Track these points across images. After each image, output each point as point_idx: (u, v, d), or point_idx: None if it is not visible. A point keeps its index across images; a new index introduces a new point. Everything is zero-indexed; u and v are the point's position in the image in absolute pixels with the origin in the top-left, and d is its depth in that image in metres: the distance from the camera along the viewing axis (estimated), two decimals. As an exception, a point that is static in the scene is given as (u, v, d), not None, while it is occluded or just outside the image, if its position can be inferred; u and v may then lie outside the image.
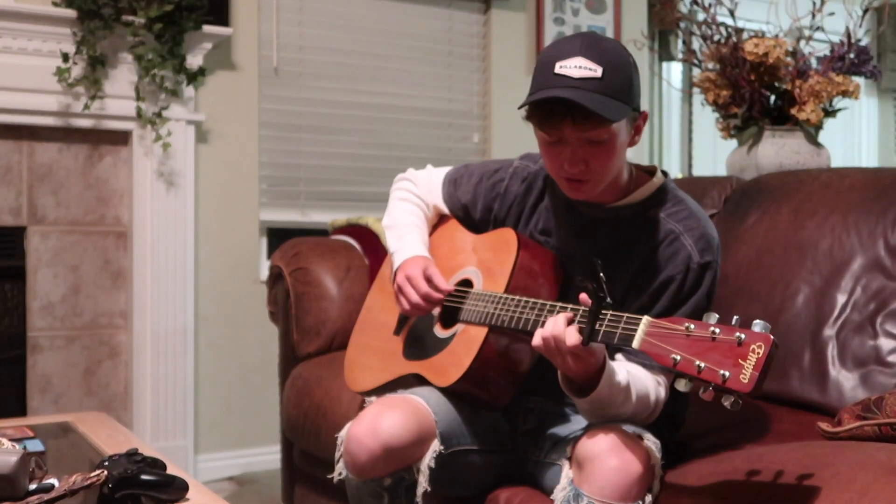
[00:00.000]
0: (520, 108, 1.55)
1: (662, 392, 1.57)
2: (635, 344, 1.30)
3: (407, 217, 1.93)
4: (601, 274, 1.38)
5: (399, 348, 1.85)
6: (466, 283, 1.78)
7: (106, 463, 1.55)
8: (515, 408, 1.75)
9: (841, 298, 1.93)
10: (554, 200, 1.74)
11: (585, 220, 1.68)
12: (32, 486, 1.51)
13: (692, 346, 1.22)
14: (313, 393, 2.43)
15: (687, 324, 1.25)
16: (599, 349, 1.44)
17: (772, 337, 1.17)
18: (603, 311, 1.38)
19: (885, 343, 1.85)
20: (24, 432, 1.99)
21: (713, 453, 1.65)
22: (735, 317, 1.23)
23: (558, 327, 1.41)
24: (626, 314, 1.36)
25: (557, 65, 1.51)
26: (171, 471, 1.61)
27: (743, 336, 1.18)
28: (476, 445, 1.69)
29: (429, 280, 1.75)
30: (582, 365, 1.43)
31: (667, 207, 1.64)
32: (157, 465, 1.59)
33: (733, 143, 2.75)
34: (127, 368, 3.38)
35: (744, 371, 1.16)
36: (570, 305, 1.47)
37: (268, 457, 3.48)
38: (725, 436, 1.78)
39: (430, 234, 1.95)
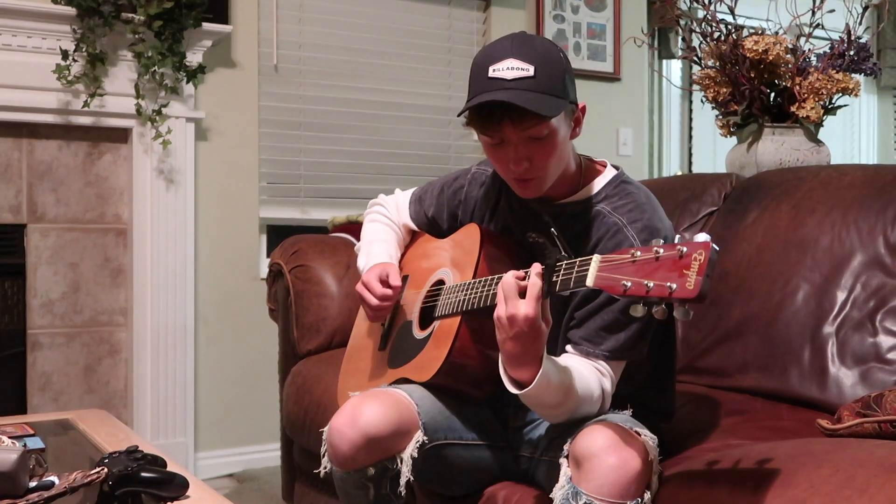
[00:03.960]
0: (459, 115, 1.60)
1: (607, 383, 1.59)
2: (589, 282, 1.32)
3: (374, 235, 2.01)
4: (553, 229, 1.44)
5: (385, 361, 1.89)
6: (440, 283, 1.81)
7: (106, 460, 1.55)
8: (506, 405, 1.75)
9: (841, 295, 1.93)
10: (509, 200, 1.79)
11: (537, 217, 1.72)
12: (33, 484, 1.51)
13: (639, 269, 1.25)
14: (313, 390, 2.44)
15: (633, 251, 1.28)
16: (544, 334, 1.44)
17: (711, 243, 1.20)
18: (557, 264, 1.41)
19: (884, 340, 1.85)
20: (24, 430, 2.00)
21: (712, 450, 1.65)
22: (678, 236, 1.26)
23: (510, 285, 1.43)
24: (579, 259, 1.38)
25: (490, 68, 1.55)
26: (171, 468, 1.61)
27: (684, 248, 1.21)
28: (463, 440, 1.70)
29: (385, 281, 1.83)
30: (532, 328, 1.41)
31: (613, 201, 1.68)
32: (157, 462, 1.60)
33: (733, 140, 2.75)
34: (127, 366, 3.39)
35: (688, 279, 1.19)
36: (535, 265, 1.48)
37: (268, 454, 3.48)
38: (724, 432, 1.78)
39: (406, 250, 2.02)
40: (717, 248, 1.21)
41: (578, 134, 1.66)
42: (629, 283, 1.25)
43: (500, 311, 1.44)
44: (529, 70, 1.53)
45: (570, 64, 1.63)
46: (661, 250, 1.24)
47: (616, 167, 1.75)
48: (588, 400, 1.55)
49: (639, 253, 1.26)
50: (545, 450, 1.65)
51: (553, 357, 1.53)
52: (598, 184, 1.70)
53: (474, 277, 1.68)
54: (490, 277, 1.61)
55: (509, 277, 1.44)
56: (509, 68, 1.54)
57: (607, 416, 1.56)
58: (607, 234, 1.64)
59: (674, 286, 1.20)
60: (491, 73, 1.55)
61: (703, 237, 1.21)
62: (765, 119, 2.60)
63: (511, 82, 1.53)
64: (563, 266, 1.40)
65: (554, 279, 1.41)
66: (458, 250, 1.82)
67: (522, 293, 1.42)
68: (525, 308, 1.40)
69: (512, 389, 1.49)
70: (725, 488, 1.38)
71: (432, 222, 1.96)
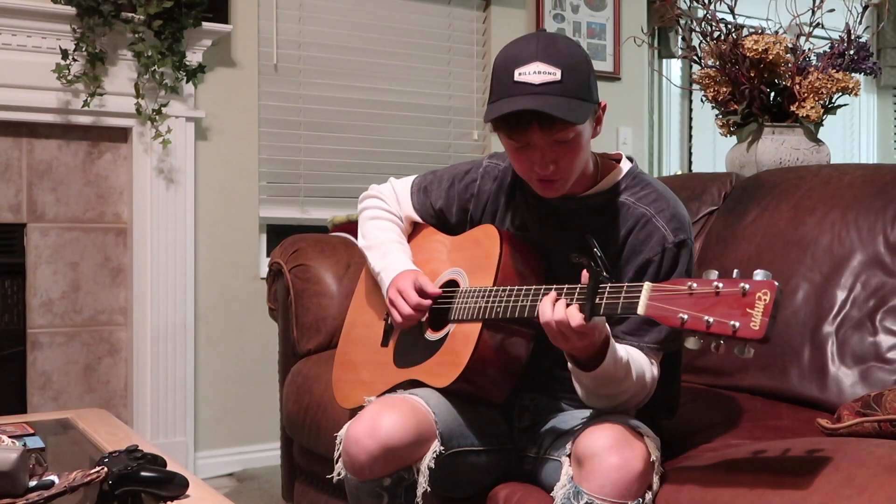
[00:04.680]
0: (486, 121, 1.58)
1: (656, 371, 1.61)
2: (640, 310, 1.31)
3: (384, 234, 1.94)
4: (595, 249, 1.41)
5: (389, 359, 1.85)
6: (451, 284, 1.77)
7: (106, 460, 1.55)
8: (511, 406, 1.75)
9: (840, 295, 1.93)
10: (526, 196, 1.76)
11: (558, 213, 1.71)
12: (32, 483, 1.51)
13: (697, 303, 1.23)
14: (313, 389, 2.43)
15: (689, 283, 1.26)
16: (602, 325, 1.45)
17: (776, 283, 1.19)
18: (601, 285, 1.39)
19: (884, 339, 1.85)
20: (24, 429, 1.99)
21: (713, 450, 1.65)
22: (735, 270, 1.24)
23: (559, 312, 1.42)
24: (626, 284, 1.37)
25: (516, 72, 1.53)
26: (171, 467, 1.61)
27: (747, 286, 1.19)
28: (476, 446, 1.69)
29: (420, 290, 1.76)
30: (587, 341, 1.44)
31: (635, 192, 1.68)
32: (157, 461, 1.59)
33: (733, 139, 2.75)
34: (127, 365, 3.39)
35: (753, 319, 1.17)
36: (566, 286, 1.47)
37: (268, 453, 3.48)
38: (725, 432, 1.78)
39: (408, 243, 1.97)
40: (782, 289, 1.19)
41: (599, 132, 1.66)
42: (686, 317, 1.24)
43: (562, 346, 1.46)
44: (556, 74, 1.52)
45: (592, 63, 1.62)
46: (721, 285, 1.22)
47: (630, 159, 1.74)
48: (641, 382, 1.56)
49: (695, 285, 1.25)
50: (548, 448, 1.65)
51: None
52: (616, 176, 1.70)
53: (495, 284, 1.65)
54: (516, 288, 1.57)
55: (560, 314, 1.43)
56: (536, 72, 1.52)
57: (610, 415, 1.55)
58: (636, 225, 1.64)
59: (737, 325, 1.18)
60: (517, 77, 1.53)
61: (764, 274, 1.20)
62: (765, 118, 2.60)
63: (538, 87, 1.51)
64: (608, 289, 1.38)
65: (598, 301, 1.39)
66: (473, 252, 1.78)
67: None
68: (572, 319, 1.41)
69: (582, 374, 1.50)
70: (725, 488, 1.38)
71: (439, 215, 1.92)
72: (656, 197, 1.66)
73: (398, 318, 1.78)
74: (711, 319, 1.21)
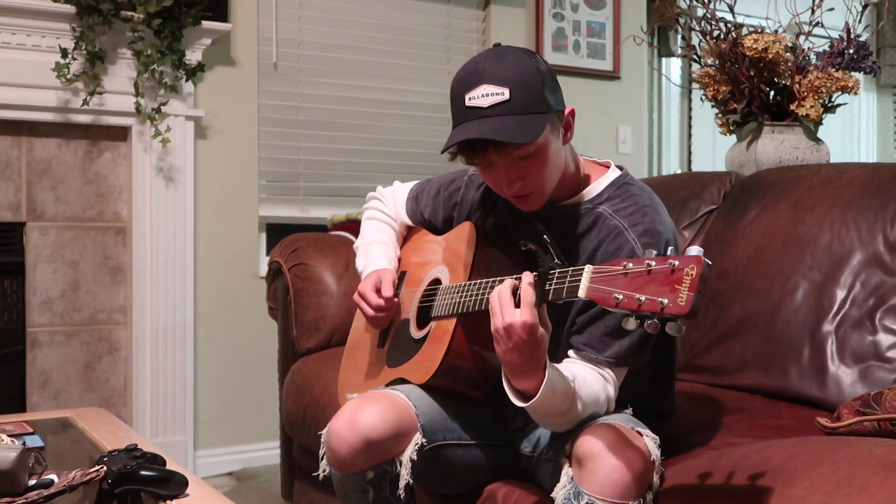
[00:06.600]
0: (442, 152, 1.58)
1: (611, 389, 1.58)
2: (581, 294, 1.30)
3: (373, 235, 2.00)
4: (545, 235, 1.40)
5: (384, 359, 1.89)
6: (437, 282, 1.80)
7: (105, 459, 1.55)
8: (503, 404, 1.75)
9: (840, 294, 1.93)
10: (507, 203, 1.76)
11: (537, 219, 1.69)
12: (32, 482, 1.51)
13: (631, 282, 1.24)
14: (312, 388, 2.44)
15: (625, 263, 1.26)
16: (545, 341, 1.43)
17: (703, 258, 1.19)
18: (550, 272, 1.39)
19: (884, 338, 1.85)
20: (23, 428, 1.99)
21: (713, 449, 1.65)
22: (669, 248, 1.26)
23: (505, 295, 1.42)
24: (571, 268, 1.36)
25: (466, 96, 1.54)
26: (170, 466, 1.61)
27: (676, 262, 1.20)
28: (462, 440, 1.69)
29: (378, 290, 1.83)
30: (536, 348, 1.41)
31: (615, 203, 1.66)
32: (156, 460, 1.60)
33: (732, 138, 2.75)
34: (126, 364, 3.39)
35: (680, 295, 1.18)
36: (526, 273, 1.46)
37: (267, 452, 3.48)
38: (724, 431, 1.78)
39: (404, 244, 2.01)
40: (710, 263, 1.20)
41: (571, 138, 1.64)
42: (621, 297, 1.23)
43: (497, 323, 1.42)
44: (504, 93, 1.51)
45: (550, 71, 1.59)
46: (653, 263, 1.22)
47: (620, 167, 1.73)
48: (594, 406, 1.54)
49: (631, 265, 1.25)
50: (546, 449, 1.65)
51: (556, 364, 1.51)
52: (600, 185, 1.69)
53: (469, 279, 1.67)
54: (486, 280, 1.59)
55: (503, 287, 1.43)
56: (484, 95, 1.51)
57: (609, 416, 1.55)
58: (608, 237, 1.62)
59: (665, 301, 1.18)
60: (468, 102, 1.53)
61: (695, 250, 1.20)
62: (764, 117, 2.60)
63: (488, 110, 1.51)
64: (556, 274, 1.38)
65: (547, 287, 1.39)
66: (452, 249, 1.81)
67: (518, 302, 1.41)
68: (521, 315, 1.38)
69: (517, 402, 1.47)
70: (725, 487, 1.38)
71: (428, 223, 1.96)
72: (634, 210, 1.64)
73: (367, 320, 1.88)
74: (643, 298, 1.21)
